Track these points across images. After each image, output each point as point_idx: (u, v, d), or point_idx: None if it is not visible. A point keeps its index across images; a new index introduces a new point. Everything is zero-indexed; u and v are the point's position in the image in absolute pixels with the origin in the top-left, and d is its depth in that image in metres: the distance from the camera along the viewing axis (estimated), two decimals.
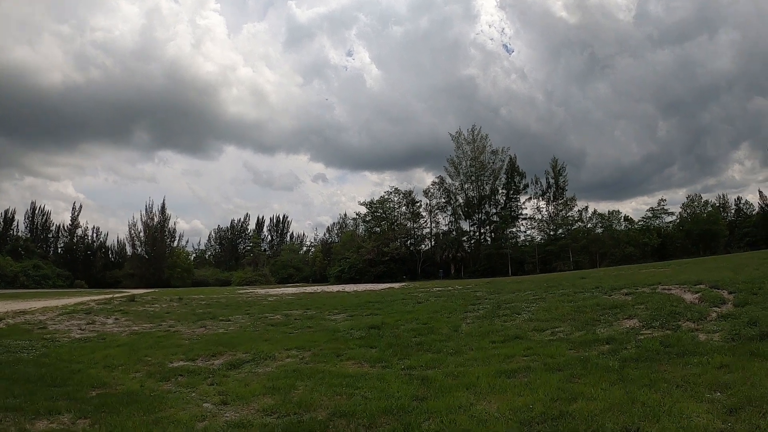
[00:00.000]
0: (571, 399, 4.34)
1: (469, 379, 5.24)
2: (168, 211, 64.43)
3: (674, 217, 55.76)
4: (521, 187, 54.69)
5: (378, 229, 55.41)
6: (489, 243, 53.26)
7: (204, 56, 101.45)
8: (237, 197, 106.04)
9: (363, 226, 59.02)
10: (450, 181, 54.84)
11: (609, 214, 53.81)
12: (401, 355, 6.87)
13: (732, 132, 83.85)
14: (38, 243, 62.99)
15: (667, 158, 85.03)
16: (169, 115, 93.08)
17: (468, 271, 48.91)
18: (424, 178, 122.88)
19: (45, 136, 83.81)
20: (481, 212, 54.29)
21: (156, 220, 63.05)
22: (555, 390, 4.61)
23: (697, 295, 8.72)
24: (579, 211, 53.02)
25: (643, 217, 55.53)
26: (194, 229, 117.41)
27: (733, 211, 61.18)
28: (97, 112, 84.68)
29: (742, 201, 61.91)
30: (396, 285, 25.52)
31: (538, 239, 53.76)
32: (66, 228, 65.24)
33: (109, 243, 67.28)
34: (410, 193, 55.98)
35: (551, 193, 54.04)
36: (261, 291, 26.48)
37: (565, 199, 53.32)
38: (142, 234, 62.74)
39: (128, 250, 64.60)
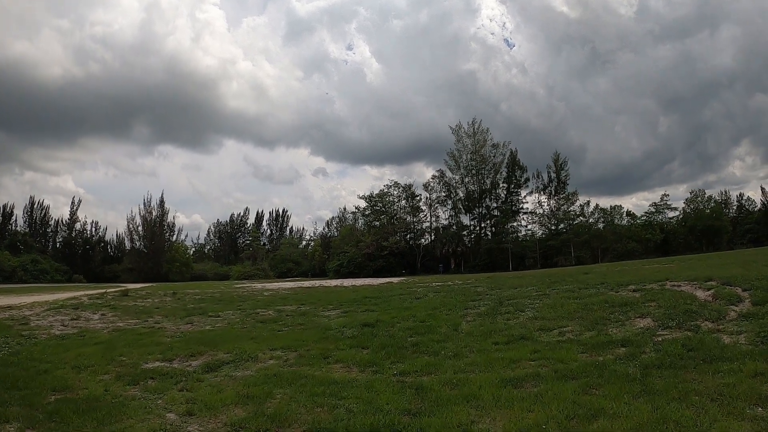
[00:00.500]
0: (590, 416, 3.74)
1: (470, 389, 4.64)
2: (166, 205, 64.23)
3: (677, 213, 55.26)
4: (522, 181, 54.10)
5: (377, 223, 54.84)
6: (489, 237, 52.69)
7: (204, 50, 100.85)
8: (237, 191, 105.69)
9: (362, 220, 58.39)
10: (450, 174, 54.28)
11: (611, 209, 53.37)
12: (395, 358, 6.26)
13: (733, 128, 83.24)
14: (37, 238, 62.45)
15: (668, 154, 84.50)
16: (169, 110, 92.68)
17: (468, 266, 48.33)
18: (424, 173, 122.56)
19: (45, 130, 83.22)
20: (482, 206, 53.67)
21: (154, 214, 62.73)
22: (570, 404, 4.01)
23: (709, 293, 8.20)
24: (581, 205, 52.50)
25: (645, 212, 55.09)
26: (194, 223, 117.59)
27: (735, 207, 60.82)
28: (96, 106, 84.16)
29: (744, 197, 61.55)
30: (395, 279, 24.97)
31: (539, 234, 53.21)
32: (65, 222, 64.81)
33: (108, 237, 66.92)
34: (410, 186, 55.44)
35: (553, 188, 53.49)
36: (258, 285, 25.98)
37: (567, 193, 52.74)
38: (140, 228, 62.41)
39: (127, 244, 64.29)
